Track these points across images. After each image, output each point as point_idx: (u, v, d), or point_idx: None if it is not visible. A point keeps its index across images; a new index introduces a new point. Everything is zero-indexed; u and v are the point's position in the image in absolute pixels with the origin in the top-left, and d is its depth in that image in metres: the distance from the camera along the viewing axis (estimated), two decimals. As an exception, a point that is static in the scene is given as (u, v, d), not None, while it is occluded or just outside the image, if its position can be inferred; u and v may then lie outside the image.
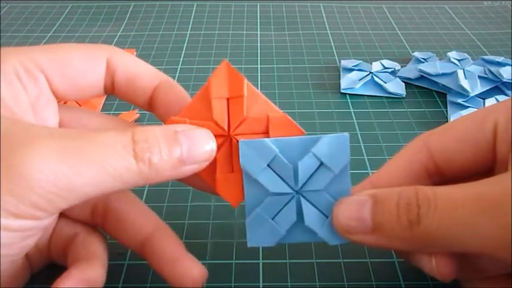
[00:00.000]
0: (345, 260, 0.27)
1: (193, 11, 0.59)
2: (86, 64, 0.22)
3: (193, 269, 0.22)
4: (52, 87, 0.22)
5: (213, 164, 0.22)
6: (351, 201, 0.21)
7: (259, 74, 0.45)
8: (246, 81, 0.22)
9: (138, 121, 0.39)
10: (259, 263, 0.27)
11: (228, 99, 0.22)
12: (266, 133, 0.22)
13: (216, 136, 0.21)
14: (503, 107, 0.21)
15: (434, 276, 0.21)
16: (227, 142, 0.22)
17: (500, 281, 0.22)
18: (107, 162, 0.18)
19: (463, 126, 0.22)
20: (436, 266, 0.20)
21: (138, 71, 0.23)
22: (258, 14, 0.58)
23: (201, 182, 0.23)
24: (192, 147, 0.20)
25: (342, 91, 0.42)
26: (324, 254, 0.27)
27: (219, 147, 0.22)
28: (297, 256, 0.27)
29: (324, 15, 0.58)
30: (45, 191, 0.17)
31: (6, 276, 0.22)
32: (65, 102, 0.37)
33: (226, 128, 0.22)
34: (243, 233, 0.28)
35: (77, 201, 0.18)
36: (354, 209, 0.20)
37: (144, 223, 0.24)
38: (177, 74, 0.45)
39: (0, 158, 0.17)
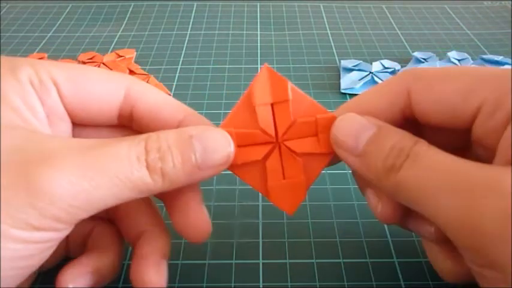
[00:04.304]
0: (345, 260, 0.27)
1: (193, 11, 0.59)
2: (104, 90, 0.22)
3: (202, 221, 0.22)
4: (63, 103, 0.21)
5: (263, 172, 0.21)
6: (356, 121, 0.21)
7: (259, 74, 0.45)
8: (290, 83, 0.21)
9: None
10: (259, 263, 0.27)
11: (272, 104, 0.21)
12: (316, 135, 0.21)
13: (264, 144, 0.21)
14: (492, 82, 0.20)
15: (374, 214, 0.22)
16: (276, 149, 0.21)
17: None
18: (123, 175, 0.18)
19: (448, 90, 0.21)
20: (380, 206, 0.21)
21: (162, 105, 0.22)
22: (258, 14, 0.58)
23: None
24: (207, 152, 0.19)
25: (342, 91, 0.42)
26: (324, 254, 0.27)
27: (267, 154, 0.21)
28: (297, 256, 0.27)
29: (324, 15, 0.58)
30: (67, 205, 0.17)
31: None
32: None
33: (273, 134, 0.21)
34: (243, 233, 0.29)
35: (96, 211, 0.18)
36: (355, 129, 0.20)
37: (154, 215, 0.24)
38: (177, 74, 0.45)
39: (19, 173, 0.17)
